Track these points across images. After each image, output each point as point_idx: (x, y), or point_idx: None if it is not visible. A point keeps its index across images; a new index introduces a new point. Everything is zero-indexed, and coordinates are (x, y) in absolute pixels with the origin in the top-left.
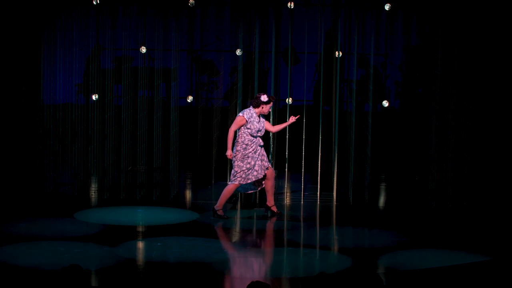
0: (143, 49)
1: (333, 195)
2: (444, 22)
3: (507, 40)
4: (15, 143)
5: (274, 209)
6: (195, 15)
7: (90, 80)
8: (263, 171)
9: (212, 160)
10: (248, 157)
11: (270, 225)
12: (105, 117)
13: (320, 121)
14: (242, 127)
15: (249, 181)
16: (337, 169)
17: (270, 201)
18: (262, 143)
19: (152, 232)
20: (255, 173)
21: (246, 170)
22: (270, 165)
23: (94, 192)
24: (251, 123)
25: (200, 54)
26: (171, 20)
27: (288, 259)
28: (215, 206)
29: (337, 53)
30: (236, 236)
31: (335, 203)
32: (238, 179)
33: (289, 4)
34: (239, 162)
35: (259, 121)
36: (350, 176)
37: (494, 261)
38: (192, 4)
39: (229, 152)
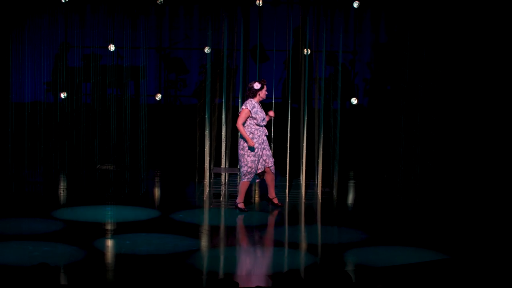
0: (112, 47)
1: (301, 192)
2: (412, 19)
3: (476, 35)
4: None
5: (276, 201)
6: (163, 13)
7: (58, 78)
8: (269, 159)
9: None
10: (254, 148)
11: (239, 222)
12: (74, 115)
13: (289, 118)
14: (248, 119)
15: (259, 171)
16: (305, 167)
17: (272, 194)
18: (267, 133)
19: (121, 229)
20: (263, 162)
21: (252, 164)
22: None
23: (63, 191)
24: (255, 113)
25: (169, 52)
26: (140, 18)
27: (256, 256)
28: (236, 201)
29: (305, 50)
30: (205, 233)
31: (303, 200)
32: (247, 176)
33: (257, 1)
34: (246, 157)
35: (261, 109)
36: (318, 173)
37: (454, 260)
38: (160, 2)
39: (251, 142)
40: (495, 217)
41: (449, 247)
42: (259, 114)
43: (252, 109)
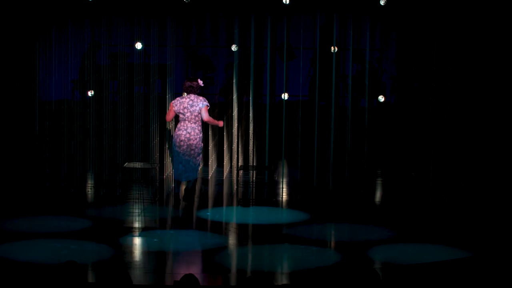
0: (139, 45)
1: (329, 191)
2: (440, 17)
3: (504, 35)
4: (12, 139)
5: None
6: (190, 11)
7: (85, 76)
8: None
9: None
10: None
11: (267, 219)
12: (101, 113)
13: (316, 116)
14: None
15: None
16: (333, 165)
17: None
18: None
19: (148, 227)
20: None
21: None
22: None
23: (91, 189)
24: None
25: (196, 50)
26: (167, 16)
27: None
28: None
29: (332, 48)
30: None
31: (330, 199)
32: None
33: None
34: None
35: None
36: (346, 171)
37: (480, 258)
38: (187, 0)
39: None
40: None
41: (477, 245)
42: None
43: None
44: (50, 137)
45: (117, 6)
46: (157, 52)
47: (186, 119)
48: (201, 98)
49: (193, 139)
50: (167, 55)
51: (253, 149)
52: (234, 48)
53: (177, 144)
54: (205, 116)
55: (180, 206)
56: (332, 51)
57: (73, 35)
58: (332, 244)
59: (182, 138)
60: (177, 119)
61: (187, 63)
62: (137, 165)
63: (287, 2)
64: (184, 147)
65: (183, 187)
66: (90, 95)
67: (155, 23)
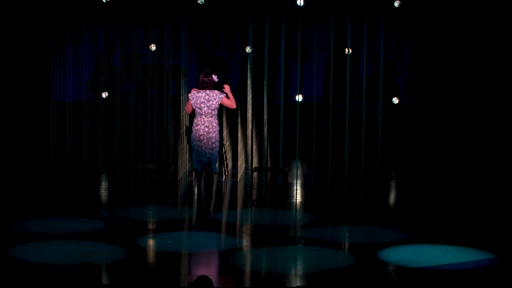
0: (153, 47)
1: (343, 193)
2: (454, 19)
3: None
4: (26, 141)
5: None
6: (205, 13)
7: (100, 78)
8: None
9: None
10: None
11: (281, 221)
12: (115, 115)
13: (330, 118)
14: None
15: None
16: (347, 166)
17: None
18: None
19: (162, 228)
20: None
21: None
22: None
23: (104, 190)
24: None
25: (210, 51)
26: (181, 18)
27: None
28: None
29: (346, 50)
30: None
31: (345, 200)
32: None
33: (298, 1)
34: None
35: None
36: (361, 173)
37: (500, 260)
38: (201, 2)
39: None
40: None
41: (492, 247)
42: None
43: None
44: (64, 138)
45: (131, 8)
46: (171, 54)
47: (203, 113)
48: (215, 91)
49: (212, 132)
50: (181, 56)
51: (267, 151)
52: (248, 50)
53: (196, 138)
54: (231, 103)
55: (201, 196)
56: (346, 53)
57: (87, 36)
58: (346, 246)
59: (201, 132)
60: (191, 114)
61: (201, 64)
62: (152, 166)
63: (302, 4)
64: (205, 140)
65: (201, 177)
66: (104, 97)
67: (169, 24)
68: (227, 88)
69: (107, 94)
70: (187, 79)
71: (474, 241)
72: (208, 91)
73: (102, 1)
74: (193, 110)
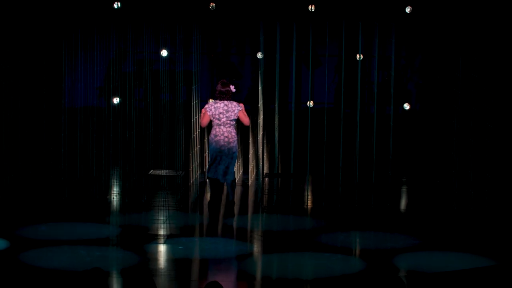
0: (164, 53)
1: (354, 197)
2: (465, 25)
3: None
4: (37, 146)
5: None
6: (216, 18)
7: (111, 83)
8: None
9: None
10: None
11: (291, 226)
12: (126, 120)
13: (341, 124)
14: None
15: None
16: (358, 172)
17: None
18: None
19: (174, 234)
20: None
21: None
22: None
23: (116, 196)
24: None
25: (222, 57)
26: (193, 23)
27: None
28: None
29: (358, 55)
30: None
31: (356, 206)
32: None
33: (310, 7)
34: None
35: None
36: (372, 178)
37: (506, 266)
38: (213, 8)
39: None
40: None
41: (503, 254)
42: None
43: None
44: (75, 144)
45: (143, 13)
46: (182, 59)
47: (222, 124)
48: (234, 103)
49: (232, 141)
50: (193, 62)
51: (278, 157)
52: (259, 55)
53: (217, 148)
54: (246, 120)
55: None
56: (357, 58)
57: (98, 42)
58: (357, 252)
59: (222, 143)
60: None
61: (212, 70)
62: (163, 172)
63: (313, 10)
64: (226, 151)
65: (225, 189)
66: (116, 102)
67: (181, 30)
68: (242, 106)
69: (118, 100)
70: (198, 85)
71: (483, 248)
72: (226, 102)
73: (114, 7)
74: (210, 122)
